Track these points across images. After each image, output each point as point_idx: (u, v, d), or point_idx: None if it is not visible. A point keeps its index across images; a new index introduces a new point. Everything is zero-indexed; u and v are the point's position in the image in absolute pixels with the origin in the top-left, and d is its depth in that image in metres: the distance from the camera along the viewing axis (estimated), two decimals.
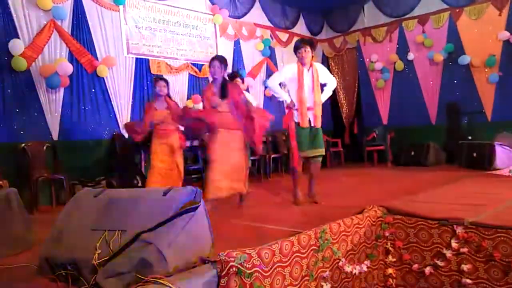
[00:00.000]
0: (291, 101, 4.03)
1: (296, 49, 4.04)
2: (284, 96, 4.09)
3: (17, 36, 4.81)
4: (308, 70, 4.01)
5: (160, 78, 4.97)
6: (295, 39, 8.72)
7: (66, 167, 5.01)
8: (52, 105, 5.12)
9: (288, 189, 4.49)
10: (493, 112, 7.16)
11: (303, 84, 3.97)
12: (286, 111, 4.15)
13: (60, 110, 5.19)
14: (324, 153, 4.11)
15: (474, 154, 6.17)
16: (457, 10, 7.46)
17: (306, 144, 3.99)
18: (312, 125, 4.01)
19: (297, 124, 3.99)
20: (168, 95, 4.65)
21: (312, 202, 4.08)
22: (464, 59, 7.27)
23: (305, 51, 3.97)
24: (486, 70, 7.19)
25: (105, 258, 1.93)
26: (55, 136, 5.13)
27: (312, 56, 4.05)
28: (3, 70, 4.74)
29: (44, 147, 4.92)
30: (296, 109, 4.00)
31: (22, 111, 4.89)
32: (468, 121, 7.30)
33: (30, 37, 4.93)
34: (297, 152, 3.97)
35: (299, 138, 3.98)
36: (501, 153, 5.83)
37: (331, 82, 4.18)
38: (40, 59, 5.01)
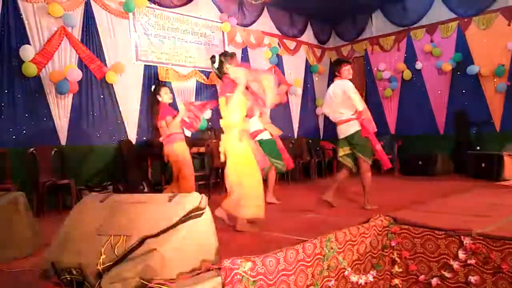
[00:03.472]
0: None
1: (341, 66, 4.58)
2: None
3: (28, 43, 4.89)
4: None
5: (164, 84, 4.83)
6: (303, 47, 8.82)
7: (73, 172, 5.05)
8: (61, 110, 5.18)
9: (293, 196, 4.48)
10: (502, 122, 7.10)
11: None
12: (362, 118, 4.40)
13: (68, 115, 5.24)
14: None
15: (483, 165, 6.12)
16: (466, 20, 7.45)
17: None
18: None
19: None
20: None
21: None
22: (473, 69, 7.24)
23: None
24: (494, 79, 7.15)
25: (110, 263, 1.93)
26: (63, 141, 5.18)
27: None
28: (14, 76, 4.81)
29: (52, 152, 4.95)
30: (363, 118, 4.30)
31: (32, 116, 4.94)
32: (476, 131, 7.25)
33: (41, 44, 5.00)
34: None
35: None
36: (509, 163, 5.77)
37: None
38: (50, 65, 5.07)
